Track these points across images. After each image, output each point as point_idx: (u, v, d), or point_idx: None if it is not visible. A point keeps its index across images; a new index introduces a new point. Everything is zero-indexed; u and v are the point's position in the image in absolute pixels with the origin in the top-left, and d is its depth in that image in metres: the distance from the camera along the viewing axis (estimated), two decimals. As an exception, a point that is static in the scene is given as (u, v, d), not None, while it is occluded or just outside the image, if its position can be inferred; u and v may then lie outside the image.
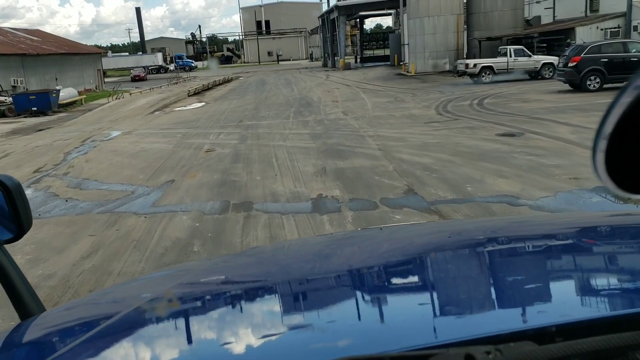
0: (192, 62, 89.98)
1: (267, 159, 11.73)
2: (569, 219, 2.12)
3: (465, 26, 37.76)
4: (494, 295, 1.09)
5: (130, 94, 35.92)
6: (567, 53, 20.09)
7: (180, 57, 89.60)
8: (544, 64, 25.98)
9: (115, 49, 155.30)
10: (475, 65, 26.01)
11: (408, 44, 38.68)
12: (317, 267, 1.46)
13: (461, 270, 1.30)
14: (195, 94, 35.28)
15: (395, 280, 1.30)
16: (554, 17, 40.31)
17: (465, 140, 11.93)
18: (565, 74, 19.15)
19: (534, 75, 26.39)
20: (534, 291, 1.06)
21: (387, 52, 78.26)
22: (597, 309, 0.95)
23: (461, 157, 10.24)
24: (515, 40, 32.98)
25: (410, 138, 12.80)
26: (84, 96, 36.06)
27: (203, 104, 28.59)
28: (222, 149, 13.54)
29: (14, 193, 1.39)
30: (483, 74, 25.92)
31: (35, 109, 29.34)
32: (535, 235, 1.61)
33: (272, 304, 1.20)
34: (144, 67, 78.45)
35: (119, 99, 33.84)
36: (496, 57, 27.16)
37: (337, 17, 56.19)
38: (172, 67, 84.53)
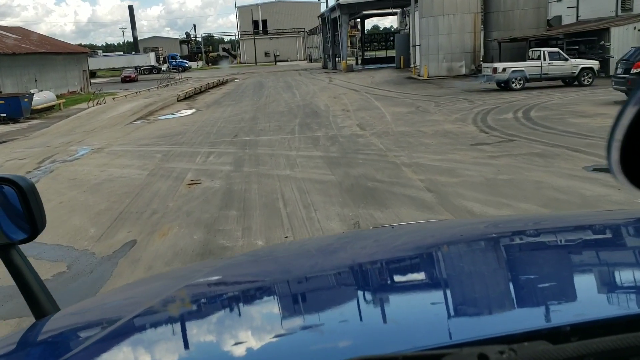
0: (186, 63, 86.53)
1: (272, 203, 8.43)
2: (584, 216, 1.95)
3: (482, 26, 34.51)
4: (507, 295, 1.06)
5: (113, 99, 32.48)
6: (626, 57, 16.87)
7: (173, 57, 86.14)
8: (583, 68, 22.73)
9: (110, 48, 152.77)
10: (504, 69, 22.75)
11: (419, 45, 35.41)
12: (329, 267, 1.41)
13: (474, 269, 1.26)
14: (185, 98, 31.93)
15: (408, 279, 1.28)
16: (577, 17, 37.13)
17: (546, 176, 8.65)
18: (628, 82, 15.91)
19: (569, 81, 23.20)
20: (548, 290, 1.03)
21: (390, 53, 75.67)
22: (613, 307, 0.91)
23: (560, 210, 6.96)
24: (540, 42, 29.82)
25: (464, 170, 9.50)
26: (64, 100, 32.62)
27: (193, 111, 25.25)
28: (210, 181, 10.24)
29: (28, 194, 1.40)
30: (513, 80, 22.68)
31: (4, 115, 25.99)
32: (549, 233, 1.55)
33: (283, 304, 1.15)
34: (135, 68, 75.44)
35: (100, 104, 30.39)
36: (527, 61, 23.90)
37: (339, 16, 52.93)
38: (165, 67, 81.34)
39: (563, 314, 0.89)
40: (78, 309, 1.62)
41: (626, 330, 0.68)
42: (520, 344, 0.66)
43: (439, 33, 33.45)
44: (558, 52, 23.15)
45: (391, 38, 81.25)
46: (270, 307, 1.16)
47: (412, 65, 38.12)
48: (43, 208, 1.45)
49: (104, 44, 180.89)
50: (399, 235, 1.73)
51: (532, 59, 23.61)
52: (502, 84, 23.41)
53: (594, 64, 23.09)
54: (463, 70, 33.54)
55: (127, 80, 62.68)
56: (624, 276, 1.12)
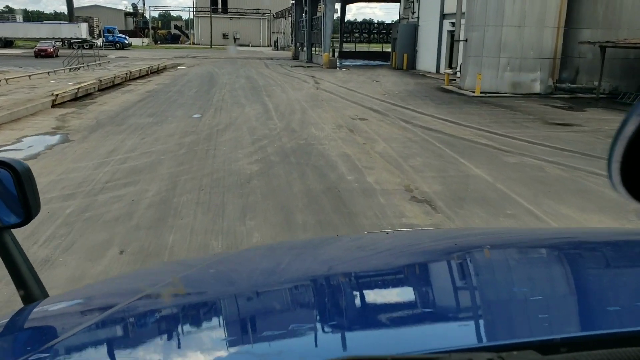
0: (126, 39, 71.24)
1: None
2: (578, 232, 1.95)
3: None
4: (498, 306, 1.05)
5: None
6: None
7: (110, 31, 70.90)
8: None
9: (59, 17, 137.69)
10: None
11: (465, 41, 22.77)
12: (324, 269, 1.39)
13: (467, 278, 1.25)
14: (76, 98, 18.35)
15: (401, 285, 1.27)
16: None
17: None
18: None
19: None
20: (539, 303, 1.02)
21: (373, 47, 63.71)
22: (604, 323, 0.90)
23: None
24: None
25: None
26: None
27: (51, 144, 11.78)
28: None
29: (23, 177, 1.35)
30: None
31: None
32: (543, 246, 1.52)
33: (278, 303, 1.16)
34: (61, 40, 60.64)
35: None
36: None
37: (324, -6, 39.89)
38: (99, 42, 66.31)
39: (553, 328, 0.87)
40: (66, 296, 1.59)
41: (615, 346, 0.66)
42: (509, 353, 0.65)
43: (504, 24, 20.84)
44: None
45: (374, 30, 69.24)
46: (265, 305, 1.13)
47: (446, 71, 25.36)
48: (38, 193, 1.40)
49: (53, 12, 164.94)
50: (393, 241, 1.70)
51: None
52: None
53: None
54: (537, 87, 21.12)
55: (41, 55, 48.56)
56: (617, 293, 1.10)
